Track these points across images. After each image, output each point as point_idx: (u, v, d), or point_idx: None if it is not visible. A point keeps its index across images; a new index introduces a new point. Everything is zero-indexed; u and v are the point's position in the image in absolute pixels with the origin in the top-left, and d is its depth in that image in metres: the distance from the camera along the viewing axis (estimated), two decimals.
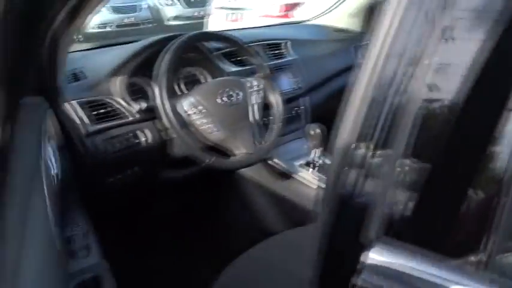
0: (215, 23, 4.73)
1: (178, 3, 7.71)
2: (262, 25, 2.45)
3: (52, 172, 0.84)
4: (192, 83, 1.48)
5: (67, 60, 1.06)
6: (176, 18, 7.74)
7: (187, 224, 1.81)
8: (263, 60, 1.53)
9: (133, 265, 1.46)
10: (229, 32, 1.50)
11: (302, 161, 1.60)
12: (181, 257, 1.68)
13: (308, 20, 2.37)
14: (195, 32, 1.37)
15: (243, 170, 1.52)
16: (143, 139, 1.34)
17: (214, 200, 1.93)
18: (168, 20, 7.72)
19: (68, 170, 1.13)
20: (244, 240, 1.25)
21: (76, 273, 0.90)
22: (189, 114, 1.27)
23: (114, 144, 1.28)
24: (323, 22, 2.29)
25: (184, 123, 1.27)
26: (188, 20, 7.69)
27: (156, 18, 7.66)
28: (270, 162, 1.56)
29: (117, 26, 6.99)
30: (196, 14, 7.52)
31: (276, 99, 1.49)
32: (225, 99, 1.33)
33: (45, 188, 0.68)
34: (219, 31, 1.54)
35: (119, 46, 1.56)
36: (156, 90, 1.24)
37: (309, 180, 1.52)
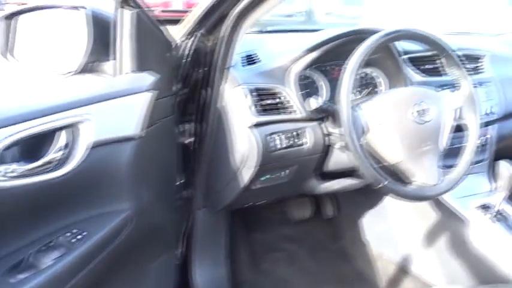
0: None
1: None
2: (451, 32, 2.04)
3: None
4: (363, 86, 1.40)
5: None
6: (328, 14, 7.28)
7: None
8: (465, 73, 1.19)
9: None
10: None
11: (479, 203, 1.41)
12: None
13: (505, 34, 2.08)
14: (403, 28, 1.12)
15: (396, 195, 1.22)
16: (307, 140, 1.21)
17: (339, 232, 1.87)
18: (319, 15, 7.24)
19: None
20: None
21: None
22: (369, 125, 1.05)
23: (276, 141, 1.17)
24: None
25: (364, 134, 1.06)
26: (340, 18, 7.26)
27: (308, 12, 7.24)
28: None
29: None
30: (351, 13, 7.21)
31: (474, 123, 1.19)
32: (416, 114, 1.08)
33: None
34: (426, 32, 1.15)
35: (291, 34, 1.60)
36: (341, 91, 1.02)
37: (485, 228, 1.33)
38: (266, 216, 1.94)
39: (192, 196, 1.41)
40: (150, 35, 1.06)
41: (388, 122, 1.05)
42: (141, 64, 1.02)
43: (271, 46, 1.36)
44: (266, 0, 1.02)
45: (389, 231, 1.68)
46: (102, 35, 1.01)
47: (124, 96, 0.96)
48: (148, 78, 1.02)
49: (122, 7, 0.96)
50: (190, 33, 1.20)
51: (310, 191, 1.40)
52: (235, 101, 1.17)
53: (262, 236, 1.89)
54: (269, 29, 1.66)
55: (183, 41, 1.23)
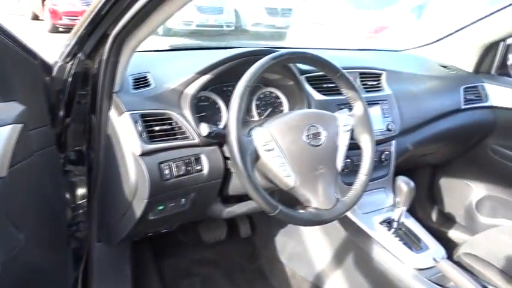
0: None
1: (263, 11, 8.17)
2: (354, 48, 2.09)
3: None
4: (266, 106, 1.38)
5: (131, 61, 1.06)
6: (256, 24, 8.07)
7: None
8: (359, 93, 1.18)
9: None
10: (326, 57, 1.15)
11: (382, 218, 1.44)
12: None
13: (407, 49, 2.14)
14: (291, 51, 1.09)
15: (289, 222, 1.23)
16: (206, 166, 1.16)
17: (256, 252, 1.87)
18: (248, 25, 8.14)
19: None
20: None
21: None
22: (259, 151, 1.01)
23: (169, 170, 1.10)
24: (424, 54, 2.06)
25: (255, 161, 1.01)
26: (268, 28, 7.96)
27: (237, 23, 8.09)
28: None
29: (198, 26, 7.13)
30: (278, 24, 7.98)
31: (369, 144, 1.18)
32: (308, 138, 1.05)
33: None
34: (315, 54, 1.13)
35: (193, 52, 1.48)
36: (229, 118, 0.96)
37: (388, 244, 1.34)
38: (178, 240, 1.85)
39: (88, 229, 1.30)
40: (14, 59, 0.95)
41: (279, 148, 1.01)
42: (4, 93, 0.91)
43: (165, 67, 1.29)
44: (147, 20, 0.95)
45: (301, 249, 1.66)
46: None
47: None
48: (13, 109, 0.91)
49: None
50: (72, 54, 1.11)
51: (216, 215, 1.35)
52: (122, 128, 1.09)
53: (174, 261, 1.80)
54: (170, 47, 1.59)
55: (67, 62, 1.13)
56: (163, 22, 0.97)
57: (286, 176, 1.02)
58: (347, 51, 2.01)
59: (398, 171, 1.60)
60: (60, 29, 8.22)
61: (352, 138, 1.17)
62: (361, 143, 1.19)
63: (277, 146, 1.01)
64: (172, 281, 1.72)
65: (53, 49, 1.13)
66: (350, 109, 1.21)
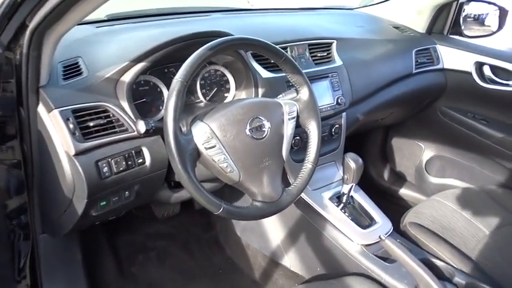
0: None
1: None
2: (305, 7, 2.05)
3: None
4: (211, 85, 1.33)
5: (60, 43, 0.98)
6: None
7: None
8: (305, 78, 1.14)
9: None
10: (272, 44, 1.08)
11: (332, 193, 1.45)
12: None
13: (360, 8, 2.12)
14: (230, 38, 1.02)
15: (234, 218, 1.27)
16: (148, 157, 1.10)
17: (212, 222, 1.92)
18: None
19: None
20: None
21: None
22: (200, 149, 0.95)
23: (108, 167, 1.04)
24: (377, 12, 2.04)
25: (196, 159, 0.96)
26: None
27: None
28: None
29: None
30: None
31: (315, 131, 1.15)
32: (253, 130, 1.01)
33: None
34: (256, 39, 1.06)
35: (133, 25, 1.40)
36: (166, 116, 0.89)
37: (337, 220, 1.36)
38: (132, 216, 1.82)
39: (30, 221, 1.25)
40: None
41: (221, 144, 0.97)
42: None
43: (99, 50, 1.18)
44: (70, 12, 0.86)
45: (254, 223, 1.67)
46: None
47: None
48: None
49: None
50: None
51: (163, 201, 1.32)
52: (53, 126, 1.01)
53: (128, 238, 1.79)
54: (107, 17, 1.45)
55: None
56: (88, 14, 0.88)
57: (230, 172, 0.98)
58: (298, 13, 1.93)
59: (350, 136, 1.61)
60: None
61: (297, 124, 1.14)
62: (307, 129, 1.16)
63: (218, 143, 0.97)
64: (127, 257, 1.72)
65: None
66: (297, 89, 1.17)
